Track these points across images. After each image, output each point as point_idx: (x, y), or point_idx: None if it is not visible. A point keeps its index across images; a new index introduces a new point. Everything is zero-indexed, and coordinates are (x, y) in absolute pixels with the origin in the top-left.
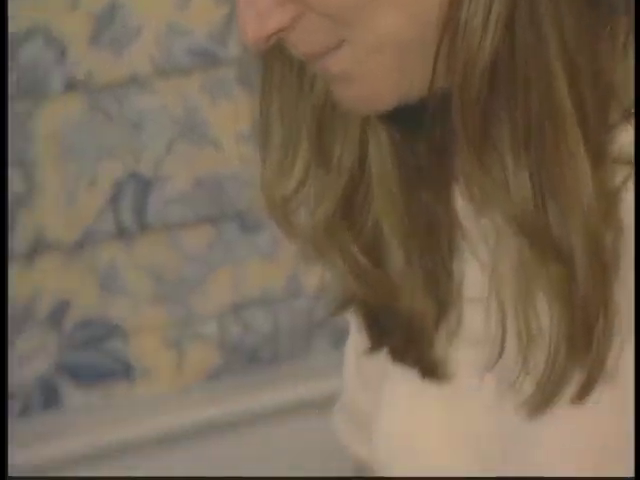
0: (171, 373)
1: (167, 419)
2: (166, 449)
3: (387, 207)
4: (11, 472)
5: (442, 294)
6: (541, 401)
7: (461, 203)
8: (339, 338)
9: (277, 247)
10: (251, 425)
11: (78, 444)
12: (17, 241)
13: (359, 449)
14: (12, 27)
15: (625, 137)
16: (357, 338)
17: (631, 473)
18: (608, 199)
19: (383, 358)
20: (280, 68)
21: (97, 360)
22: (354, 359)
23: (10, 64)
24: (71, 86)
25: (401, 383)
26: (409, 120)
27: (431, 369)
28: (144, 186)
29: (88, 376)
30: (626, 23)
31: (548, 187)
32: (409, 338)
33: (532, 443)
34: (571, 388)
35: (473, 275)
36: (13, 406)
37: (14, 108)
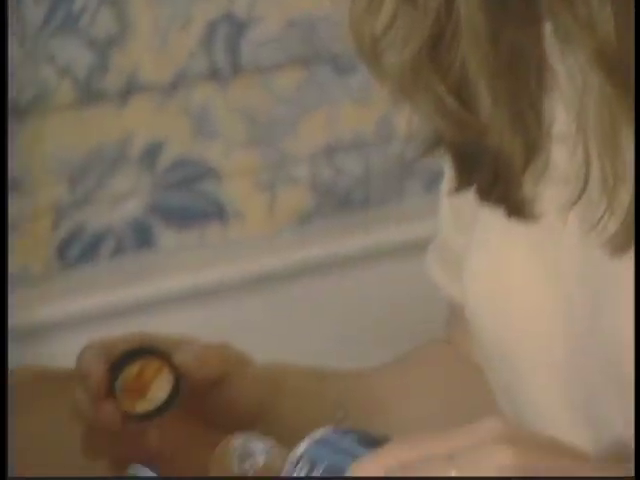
0: (263, 216)
1: (259, 261)
2: (257, 291)
3: (474, 47)
4: (104, 314)
5: (530, 134)
6: (625, 240)
7: (548, 42)
8: (431, 181)
9: (369, 90)
10: (343, 268)
11: (171, 285)
12: (110, 82)
13: (452, 290)
14: None
15: None
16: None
17: None
18: None
19: (476, 200)
20: None
21: (190, 201)
22: (449, 200)
23: None
24: None
25: (490, 223)
26: None
27: (517, 208)
28: (237, 27)
29: (181, 217)
30: None
31: (630, 21)
32: (496, 177)
33: (616, 284)
34: None
35: (561, 115)
36: (106, 247)
37: None
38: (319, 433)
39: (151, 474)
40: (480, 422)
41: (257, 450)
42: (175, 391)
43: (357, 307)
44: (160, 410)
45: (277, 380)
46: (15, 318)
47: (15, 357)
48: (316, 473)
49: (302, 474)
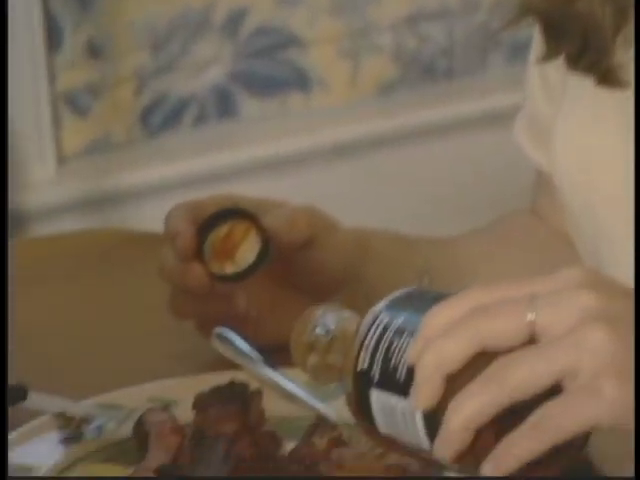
0: (346, 84)
1: (341, 130)
2: (339, 160)
3: None
4: (185, 182)
5: (621, 1)
6: None
7: None
8: (514, 53)
9: None
10: (425, 138)
11: (253, 154)
12: None
13: (540, 159)
14: None
15: None
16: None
17: None
18: None
19: (565, 69)
20: None
21: (273, 69)
22: (538, 70)
23: None
24: None
25: (579, 94)
26: None
27: (607, 75)
28: None
29: (263, 86)
30: None
31: None
32: (586, 44)
33: None
34: None
35: None
36: (189, 114)
37: None
38: (397, 293)
39: (236, 336)
40: (562, 270)
41: (334, 320)
42: (263, 253)
43: (439, 177)
44: (248, 272)
45: (364, 245)
46: (96, 184)
47: (99, 221)
48: (391, 330)
49: (377, 333)
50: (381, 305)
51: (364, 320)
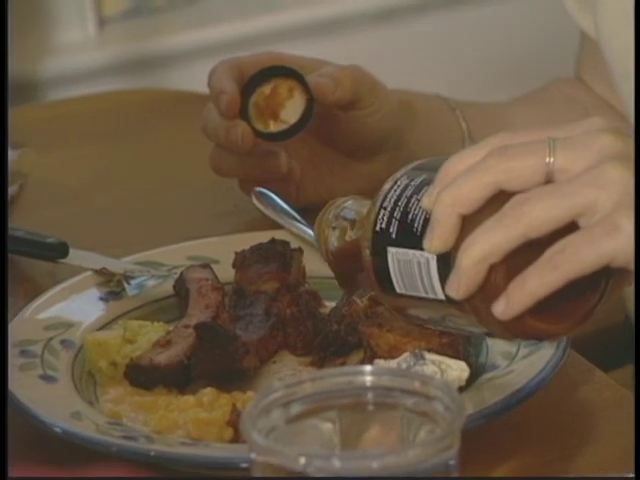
0: None
1: None
2: (384, 24)
3: None
4: (229, 45)
5: None
6: None
7: None
8: None
9: None
10: (469, 2)
11: (296, 16)
12: None
13: (586, 24)
14: None
15: None
16: None
17: None
18: None
19: None
20: None
21: None
22: None
23: None
24: None
25: None
26: None
27: None
28: None
29: None
30: None
31: None
32: None
33: None
34: None
35: None
36: None
37: None
38: (419, 161)
39: (276, 196)
40: (584, 120)
41: (357, 207)
42: (308, 112)
43: (486, 41)
44: (292, 131)
45: (408, 108)
46: (137, 47)
47: (138, 84)
48: (410, 188)
49: (396, 194)
50: (401, 171)
51: (384, 186)
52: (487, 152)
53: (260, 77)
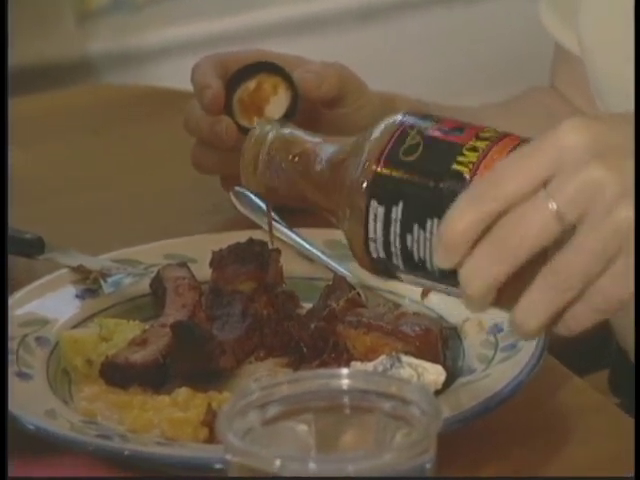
0: None
1: None
2: (367, 22)
3: None
4: (209, 41)
5: None
6: None
7: None
8: None
9: None
10: (450, 3)
11: (280, 13)
12: None
13: (563, 37)
14: None
15: None
16: None
17: None
18: None
19: None
20: None
21: None
22: None
23: None
24: None
25: None
26: None
27: None
28: None
29: None
30: None
31: None
32: None
33: None
34: None
35: None
36: None
37: None
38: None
39: (255, 195)
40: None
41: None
42: (292, 109)
43: (469, 41)
44: None
45: (390, 107)
46: (119, 42)
47: (120, 79)
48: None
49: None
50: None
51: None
52: (486, 216)
53: (245, 73)
